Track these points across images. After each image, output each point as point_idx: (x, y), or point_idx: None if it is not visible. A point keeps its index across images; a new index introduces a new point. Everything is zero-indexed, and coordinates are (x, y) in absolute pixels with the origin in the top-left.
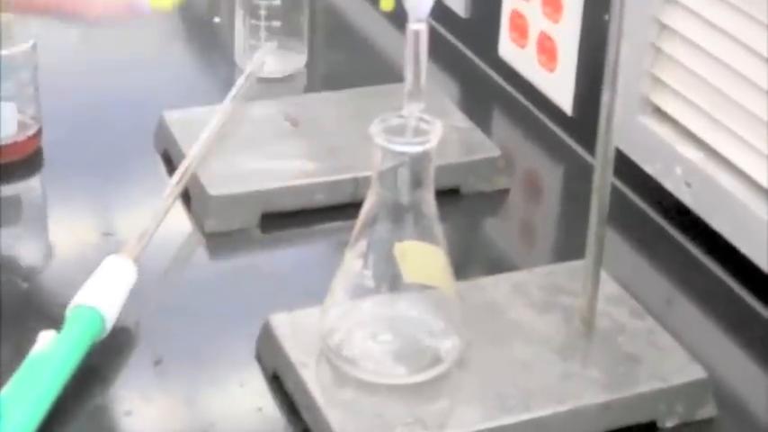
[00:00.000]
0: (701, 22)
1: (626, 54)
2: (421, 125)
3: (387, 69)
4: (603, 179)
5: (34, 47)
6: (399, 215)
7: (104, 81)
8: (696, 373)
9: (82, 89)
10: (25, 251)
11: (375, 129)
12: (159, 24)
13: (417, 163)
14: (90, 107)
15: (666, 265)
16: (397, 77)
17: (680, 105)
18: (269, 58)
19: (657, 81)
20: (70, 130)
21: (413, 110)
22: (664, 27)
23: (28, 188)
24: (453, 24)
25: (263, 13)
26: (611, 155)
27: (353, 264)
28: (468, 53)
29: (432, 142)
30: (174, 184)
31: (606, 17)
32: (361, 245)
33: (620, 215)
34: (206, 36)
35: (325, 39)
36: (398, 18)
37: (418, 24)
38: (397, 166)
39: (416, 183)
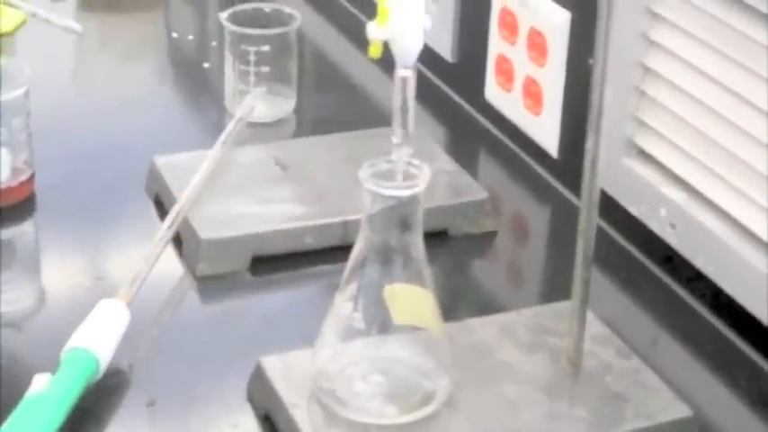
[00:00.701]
0: (684, 65)
1: (610, 97)
2: (409, 169)
3: (375, 113)
4: (589, 221)
5: (27, 93)
6: (388, 258)
7: (95, 126)
8: (682, 411)
9: (73, 134)
10: (19, 295)
11: (364, 173)
12: (150, 69)
13: (406, 207)
14: (81, 152)
15: (652, 306)
16: (386, 121)
17: (664, 147)
18: (258, 103)
19: (641, 124)
20: (62, 175)
21: (401, 155)
22: (647, 70)
23: (21, 233)
24: (440, 69)
25: (252, 58)
26: (597, 197)
27: (344, 306)
28: (455, 97)
29: (420, 186)
30: (165, 228)
31: (591, 61)
32: (351, 288)
33: (606, 256)
34: (196, 81)
35: (313, 84)
36: (386, 63)
37: (406, 71)
38: (385, 209)
39: (405, 226)
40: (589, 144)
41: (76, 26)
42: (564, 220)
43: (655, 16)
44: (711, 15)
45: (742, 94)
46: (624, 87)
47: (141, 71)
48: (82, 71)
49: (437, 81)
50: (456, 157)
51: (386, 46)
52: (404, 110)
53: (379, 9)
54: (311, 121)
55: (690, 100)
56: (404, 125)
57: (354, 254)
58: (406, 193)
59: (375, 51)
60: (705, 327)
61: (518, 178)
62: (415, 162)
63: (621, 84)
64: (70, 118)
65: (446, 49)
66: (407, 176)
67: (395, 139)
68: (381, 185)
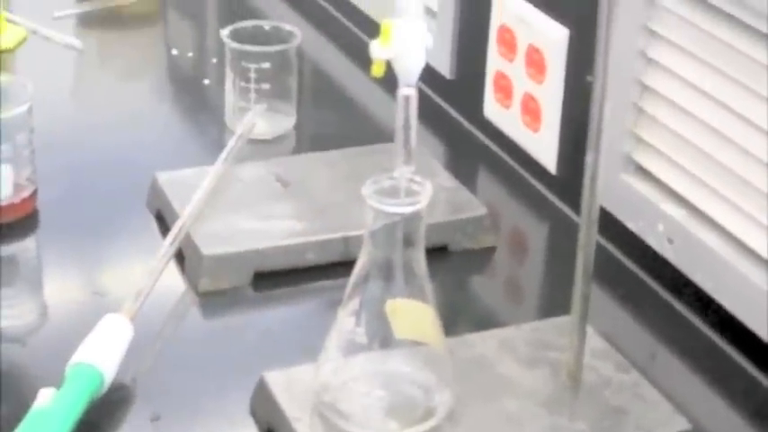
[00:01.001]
0: (682, 82)
1: (609, 114)
2: (412, 186)
3: (374, 130)
4: (588, 238)
5: (30, 110)
6: (391, 274)
7: (97, 142)
8: (680, 424)
9: (75, 150)
10: (22, 310)
11: (367, 190)
12: (150, 86)
13: (408, 223)
14: (83, 167)
15: (650, 320)
16: (385, 137)
17: (662, 164)
18: (259, 119)
19: (640, 140)
20: (64, 191)
21: (404, 172)
22: (645, 88)
23: (24, 249)
24: (439, 85)
25: (252, 75)
26: (596, 214)
27: (346, 321)
28: (454, 113)
29: (422, 203)
30: (168, 244)
31: (588, 78)
32: (354, 303)
33: (605, 271)
34: (196, 98)
35: (313, 100)
36: (385, 79)
37: (408, 90)
38: (388, 226)
39: (407, 242)
40: (588, 162)
41: (77, 42)
42: (562, 236)
43: (652, 34)
44: (708, 33)
45: (740, 112)
46: (622, 104)
47: (141, 88)
48: (82, 87)
49: (436, 97)
50: (455, 173)
51: (387, 64)
52: (406, 128)
53: (383, 29)
54: (311, 138)
55: (687, 117)
56: (406, 143)
57: (357, 269)
58: (408, 209)
59: (378, 70)
60: (703, 341)
61: (517, 194)
62: (418, 179)
63: (620, 101)
64: (71, 134)
65: (445, 66)
66: (410, 193)
67: (398, 157)
68: (384, 202)
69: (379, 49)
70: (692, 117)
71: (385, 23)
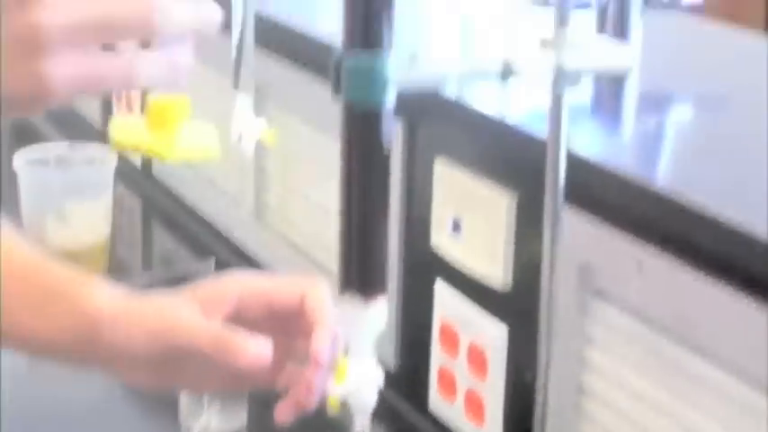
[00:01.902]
0: (617, 384)
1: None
2: None
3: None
4: None
5: None
6: None
7: None
8: None
9: None
10: None
11: None
12: (104, 385)
13: None
14: None
15: None
16: None
17: None
18: (212, 418)
19: None
20: None
21: None
22: (583, 391)
23: None
24: (384, 378)
25: None
26: None
27: None
28: (400, 406)
29: None
30: None
31: (529, 376)
32: None
33: None
34: (150, 396)
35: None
36: None
37: (362, 425)
38: None
39: None
40: None
41: None
42: None
43: (590, 339)
44: (641, 339)
45: (678, 418)
46: (560, 404)
47: (95, 387)
48: (21, 384)
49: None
50: None
51: None
52: None
53: (338, 368)
54: None
55: (625, 419)
56: None
57: None
58: None
59: (334, 405)
60: None
61: None
62: None
63: (558, 401)
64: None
65: (389, 360)
66: None
67: None
68: None
69: (333, 387)
70: (629, 419)
71: (341, 363)
